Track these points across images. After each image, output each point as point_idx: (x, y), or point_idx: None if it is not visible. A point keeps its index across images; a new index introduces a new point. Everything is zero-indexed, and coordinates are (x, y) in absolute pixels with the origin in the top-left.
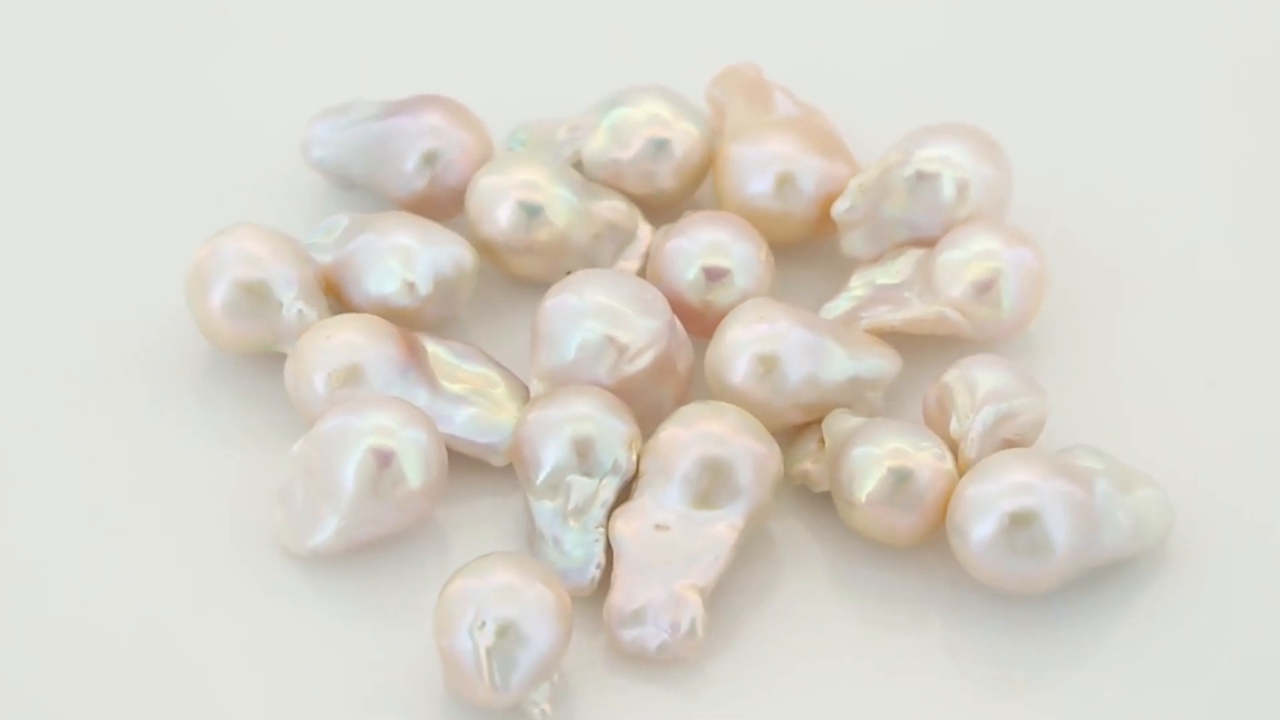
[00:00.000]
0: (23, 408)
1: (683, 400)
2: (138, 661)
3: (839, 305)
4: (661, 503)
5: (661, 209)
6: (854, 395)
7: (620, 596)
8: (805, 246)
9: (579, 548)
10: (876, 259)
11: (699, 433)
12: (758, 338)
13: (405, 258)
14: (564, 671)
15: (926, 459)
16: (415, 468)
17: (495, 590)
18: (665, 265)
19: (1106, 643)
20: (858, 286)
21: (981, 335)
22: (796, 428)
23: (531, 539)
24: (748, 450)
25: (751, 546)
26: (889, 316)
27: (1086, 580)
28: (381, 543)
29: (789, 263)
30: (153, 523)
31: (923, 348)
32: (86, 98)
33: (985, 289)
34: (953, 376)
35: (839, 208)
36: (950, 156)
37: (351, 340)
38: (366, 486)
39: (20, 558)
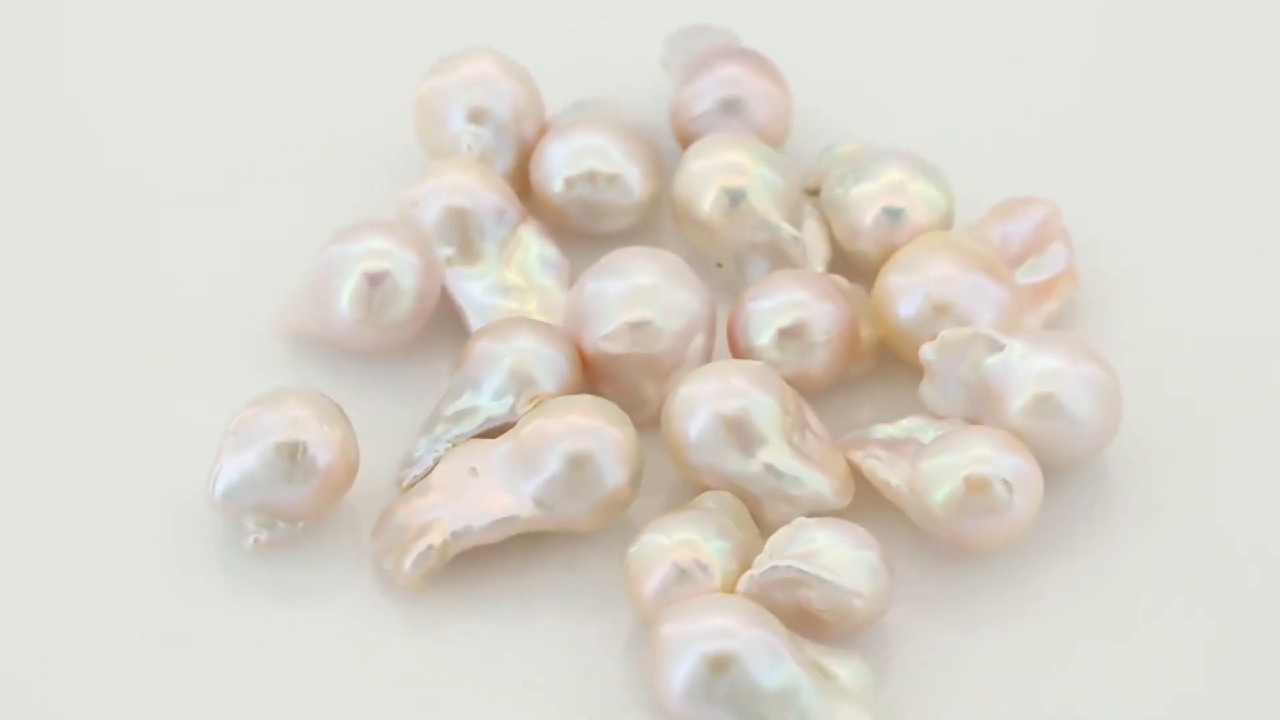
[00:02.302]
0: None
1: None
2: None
3: (867, 432)
4: (502, 460)
5: (854, 271)
6: (769, 493)
7: (398, 505)
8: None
9: (423, 449)
10: (943, 417)
11: (570, 422)
12: (710, 394)
13: (579, 160)
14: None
15: (690, 563)
16: (404, 290)
17: (285, 419)
18: (741, 315)
19: None
20: (899, 428)
21: (938, 532)
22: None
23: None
24: (593, 463)
25: (599, 556)
26: (863, 459)
27: None
28: (366, 372)
29: (907, 376)
30: None
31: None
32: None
33: (972, 493)
34: (803, 522)
35: (924, 352)
36: (1039, 366)
37: (459, 183)
38: (357, 306)
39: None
